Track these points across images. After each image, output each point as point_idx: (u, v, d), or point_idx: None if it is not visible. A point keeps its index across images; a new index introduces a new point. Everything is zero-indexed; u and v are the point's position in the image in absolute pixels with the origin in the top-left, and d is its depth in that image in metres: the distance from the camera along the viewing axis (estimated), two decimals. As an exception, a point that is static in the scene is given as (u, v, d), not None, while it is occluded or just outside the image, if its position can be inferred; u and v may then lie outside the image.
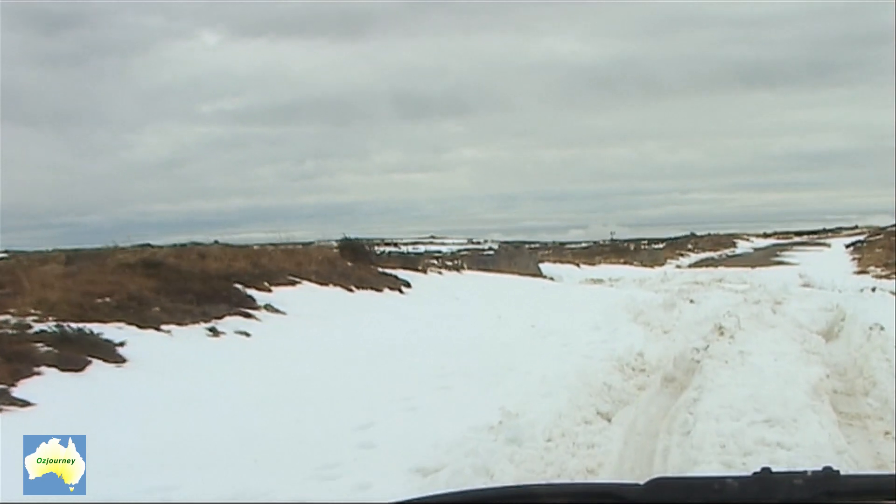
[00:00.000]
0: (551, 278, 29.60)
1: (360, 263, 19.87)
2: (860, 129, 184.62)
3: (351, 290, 15.84)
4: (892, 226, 63.86)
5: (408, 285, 18.39)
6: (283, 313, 12.46)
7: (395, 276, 18.73)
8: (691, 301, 16.77)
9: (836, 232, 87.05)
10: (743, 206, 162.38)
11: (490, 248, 40.52)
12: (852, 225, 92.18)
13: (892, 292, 18.85)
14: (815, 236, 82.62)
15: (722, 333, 10.71)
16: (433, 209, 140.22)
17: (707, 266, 40.16)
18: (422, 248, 69.61)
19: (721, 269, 35.57)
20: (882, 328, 10.24)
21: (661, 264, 43.56)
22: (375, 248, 32.20)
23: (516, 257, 31.76)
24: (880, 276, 30.62)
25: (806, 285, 26.36)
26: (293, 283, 14.76)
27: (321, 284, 15.49)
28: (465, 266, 29.48)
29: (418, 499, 1.70)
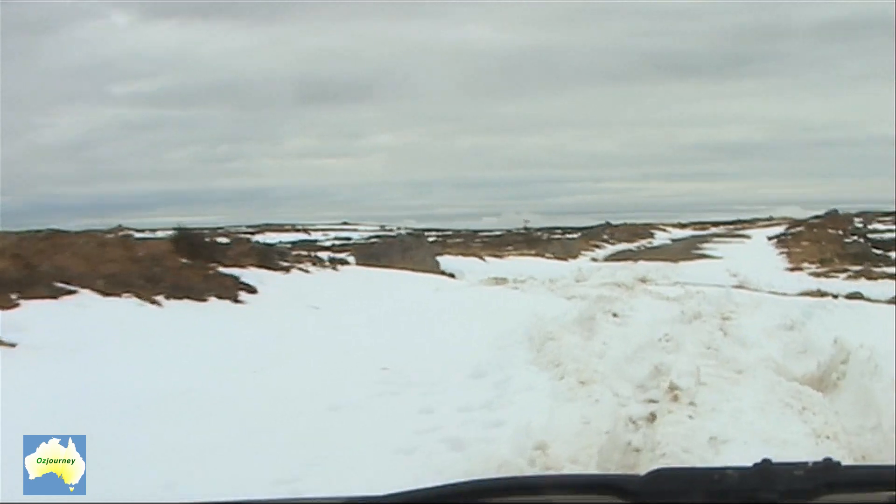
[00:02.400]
0: (451, 275, 25.72)
1: (198, 261, 15.65)
2: (770, 121, 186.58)
3: (154, 303, 11.55)
4: (814, 217, 61.89)
5: (251, 290, 14.18)
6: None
7: (236, 280, 14.50)
8: (615, 315, 12.88)
9: (751, 223, 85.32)
10: (656, 195, 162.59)
11: (376, 238, 36.34)
12: (766, 216, 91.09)
13: (877, 301, 15.30)
14: (732, 227, 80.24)
15: (675, 397, 6.64)
16: (347, 195, 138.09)
17: (625, 259, 36.61)
18: (332, 234, 66.83)
19: (641, 263, 32.06)
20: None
21: (576, 256, 39.94)
22: (227, 239, 27.91)
23: (412, 249, 27.55)
24: (817, 275, 27.41)
25: (741, 286, 22.82)
26: (60, 294, 10.44)
27: (110, 294, 11.19)
28: (347, 261, 25.38)
29: (414, 491, 1.69)
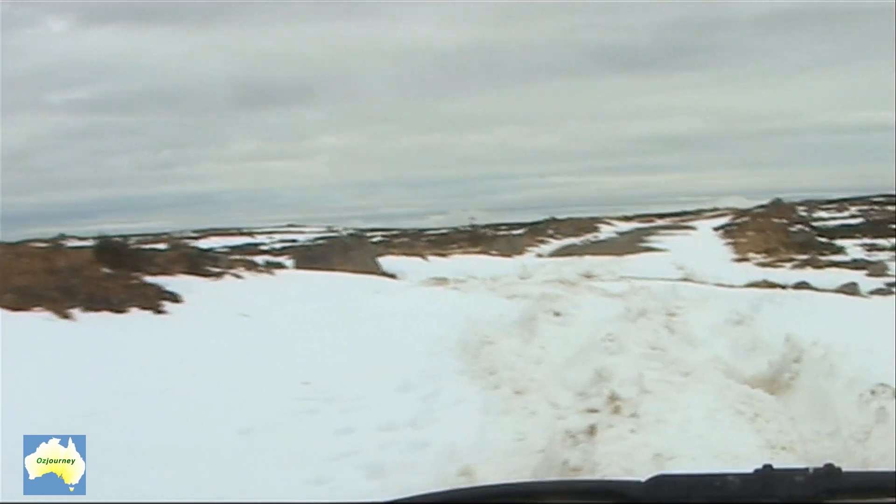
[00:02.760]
0: (393, 276, 25.06)
1: (121, 270, 14.85)
2: (712, 112, 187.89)
3: (67, 317, 10.77)
4: (759, 207, 62.01)
5: (176, 300, 13.42)
6: None
7: (160, 289, 13.73)
8: (556, 314, 12.31)
9: (696, 214, 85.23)
10: (602, 189, 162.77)
11: (322, 240, 35.57)
12: (710, 207, 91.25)
13: (824, 290, 14.87)
14: (678, 219, 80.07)
15: (616, 409, 6.05)
16: (293, 197, 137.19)
17: (571, 254, 36.12)
18: (277, 237, 65.89)
19: (587, 258, 31.60)
20: (895, 392, 5.78)
21: (521, 253, 39.31)
22: (165, 245, 27.05)
23: (353, 251, 26.85)
24: (764, 265, 27.08)
25: (687, 279, 22.48)
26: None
27: (18, 309, 10.40)
28: (285, 265, 24.64)
29: (413, 497, 1.67)
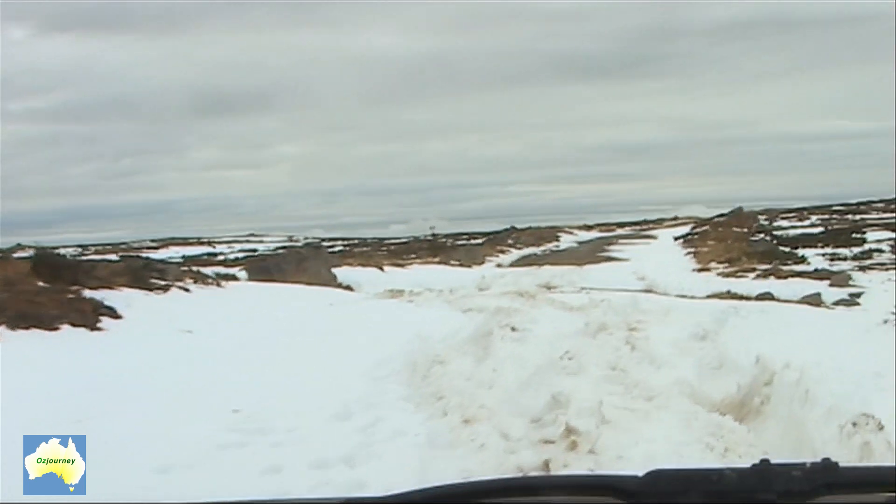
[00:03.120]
0: (348, 287, 24.46)
1: (59, 284, 14.10)
2: (671, 120, 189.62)
3: (-12, 335, 10.06)
4: (719, 216, 61.98)
5: (114, 315, 12.70)
6: None
7: (98, 304, 12.99)
8: (513, 329, 11.76)
9: (657, 223, 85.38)
10: (562, 198, 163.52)
11: (282, 249, 34.77)
12: (671, 215, 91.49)
13: (788, 301, 14.30)
14: (638, 228, 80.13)
15: (573, 444, 5.46)
16: (253, 206, 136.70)
17: (531, 264, 35.64)
18: (237, 247, 65.21)
19: (546, 268, 31.13)
20: (879, 425, 5.21)
21: (481, 263, 38.77)
22: (105, 257, 26.23)
23: (308, 261, 26.15)
24: (726, 275, 26.68)
25: (649, 290, 22.07)
26: None
27: (-65, 328, 9.70)
28: (237, 277, 23.93)
29: (413, 491, 1.71)
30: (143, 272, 17.49)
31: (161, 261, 27.48)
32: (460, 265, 36.17)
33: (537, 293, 17.68)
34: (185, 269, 22.13)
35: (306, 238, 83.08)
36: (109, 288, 14.64)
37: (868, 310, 17.61)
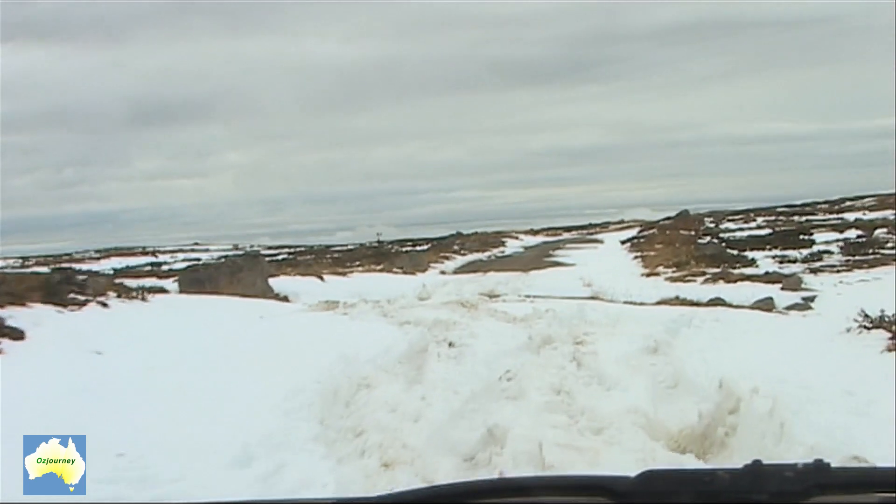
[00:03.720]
0: (285, 298, 23.46)
1: (-43, 301, 12.95)
2: (615, 124, 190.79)
3: None
4: (665, 218, 61.73)
5: (17, 335, 11.54)
6: None
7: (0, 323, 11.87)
8: (450, 345, 10.86)
9: (603, 226, 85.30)
10: (508, 202, 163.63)
11: (226, 258, 33.52)
12: (617, 219, 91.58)
13: (739, 306, 13.43)
14: (584, 231, 79.83)
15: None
16: (198, 215, 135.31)
17: (475, 271, 34.83)
18: (182, 256, 64.03)
19: (491, 275, 30.35)
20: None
21: (424, 270, 37.86)
22: (46, 268, 24.87)
23: (243, 272, 25.03)
24: (674, 279, 25.98)
25: (596, 297, 21.23)
26: None
27: None
28: (166, 289, 22.76)
29: (406, 492, 1.79)
30: (59, 286, 16.30)
31: (94, 272, 26.28)
32: (404, 273, 35.26)
33: (479, 303, 16.76)
34: (117, 281, 20.98)
35: (251, 246, 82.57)
36: (18, 304, 13.50)
37: (822, 314, 16.96)
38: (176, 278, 26.74)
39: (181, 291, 23.12)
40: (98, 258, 66.06)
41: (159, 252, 74.21)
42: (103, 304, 15.84)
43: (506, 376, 8.33)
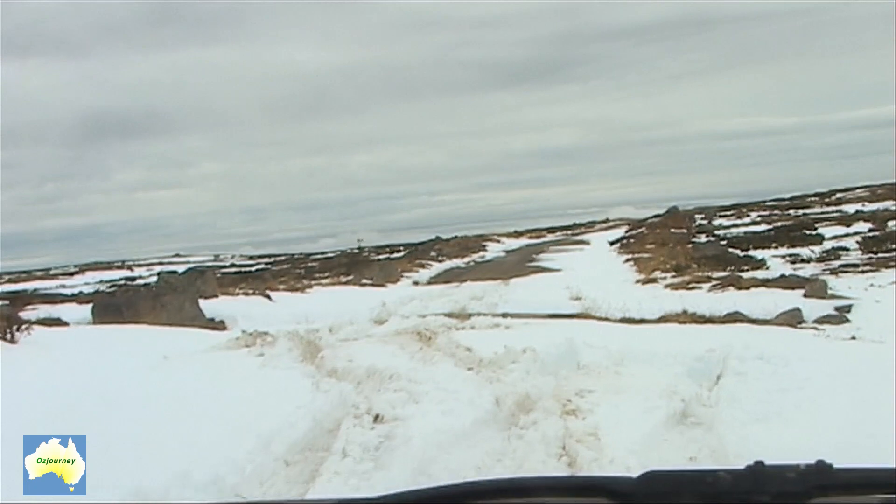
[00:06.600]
0: (221, 323, 19.94)
1: None
2: (594, 123, 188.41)
3: None
4: (654, 216, 58.38)
5: None
6: None
7: None
8: (376, 420, 7.26)
9: (588, 226, 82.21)
10: (490, 205, 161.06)
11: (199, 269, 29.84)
12: (602, 218, 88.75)
13: (765, 322, 9.74)
14: (569, 232, 76.45)
15: None
16: (180, 226, 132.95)
17: (450, 280, 31.22)
18: (159, 269, 60.67)
19: (467, 285, 26.80)
20: None
21: (396, 281, 34.23)
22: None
23: (168, 295, 21.28)
24: (675, 286, 22.33)
25: (586, 314, 17.70)
26: None
27: None
28: (62, 320, 19.08)
29: (407, 492, 1.68)
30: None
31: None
32: (373, 284, 31.65)
33: (441, 331, 13.00)
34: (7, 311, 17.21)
35: (233, 256, 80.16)
36: None
37: (866, 330, 13.47)
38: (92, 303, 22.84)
39: (95, 321, 19.47)
40: (73, 273, 64.43)
41: (136, 266, 72.66)
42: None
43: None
